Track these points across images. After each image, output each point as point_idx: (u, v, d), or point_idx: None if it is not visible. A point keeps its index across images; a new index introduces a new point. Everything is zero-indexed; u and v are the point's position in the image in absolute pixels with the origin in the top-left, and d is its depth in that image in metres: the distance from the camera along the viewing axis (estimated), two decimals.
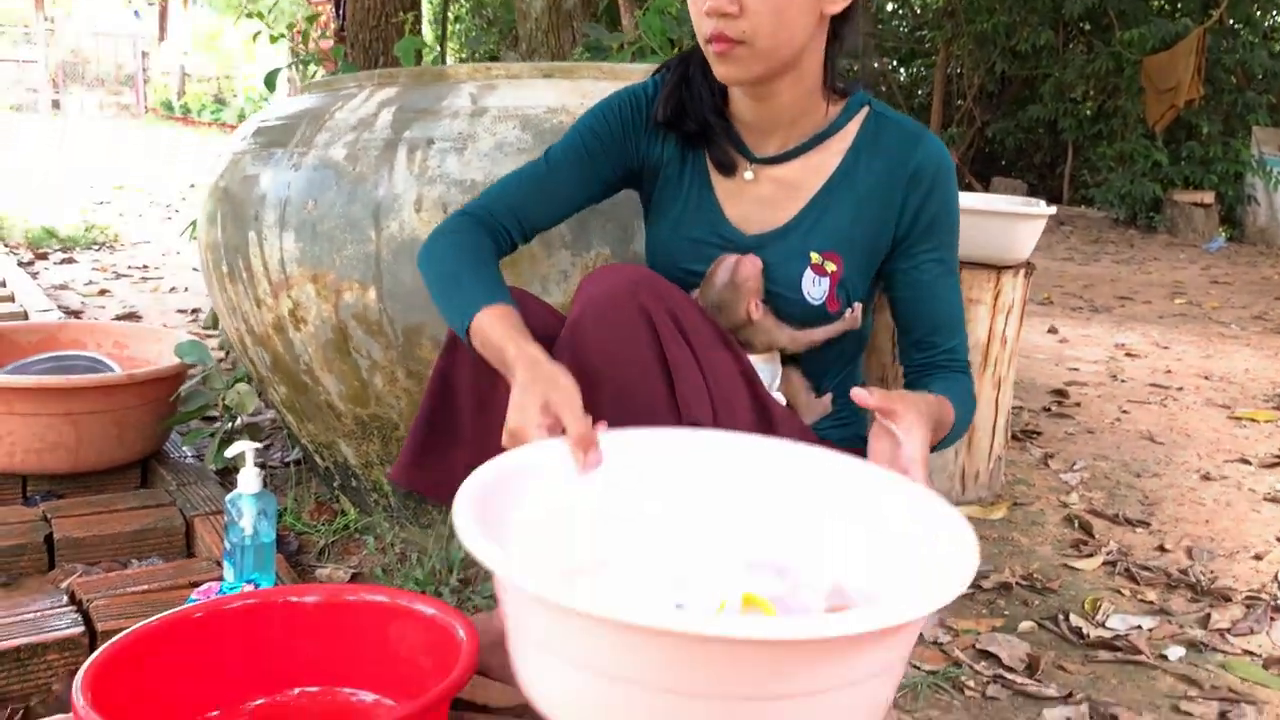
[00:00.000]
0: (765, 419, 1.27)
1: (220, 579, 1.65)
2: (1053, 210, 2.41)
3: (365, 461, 2.02)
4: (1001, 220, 2.31)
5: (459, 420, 1.37)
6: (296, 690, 1.37)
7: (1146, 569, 2.05)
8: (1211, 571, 2.06)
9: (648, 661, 0.84)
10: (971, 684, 1.60)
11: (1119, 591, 1.96)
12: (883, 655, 0.89)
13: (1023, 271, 2.34)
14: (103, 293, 4.56)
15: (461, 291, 1.28)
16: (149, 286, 4.79)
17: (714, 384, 1.23)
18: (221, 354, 2.85)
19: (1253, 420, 3.23)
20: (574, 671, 0.89)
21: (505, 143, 1.76)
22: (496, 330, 1.21)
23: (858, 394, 1.14)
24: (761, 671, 0.83)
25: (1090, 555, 2.11)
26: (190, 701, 1.29)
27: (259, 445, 1.69)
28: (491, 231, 1.39)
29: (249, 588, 1.55)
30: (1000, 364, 2.34)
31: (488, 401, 1.32)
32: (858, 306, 1.38)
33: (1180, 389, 3.63)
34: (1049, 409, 3.26)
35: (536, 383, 1.14)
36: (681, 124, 1.41)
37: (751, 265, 1.35)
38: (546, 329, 1.29)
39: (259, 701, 1.35)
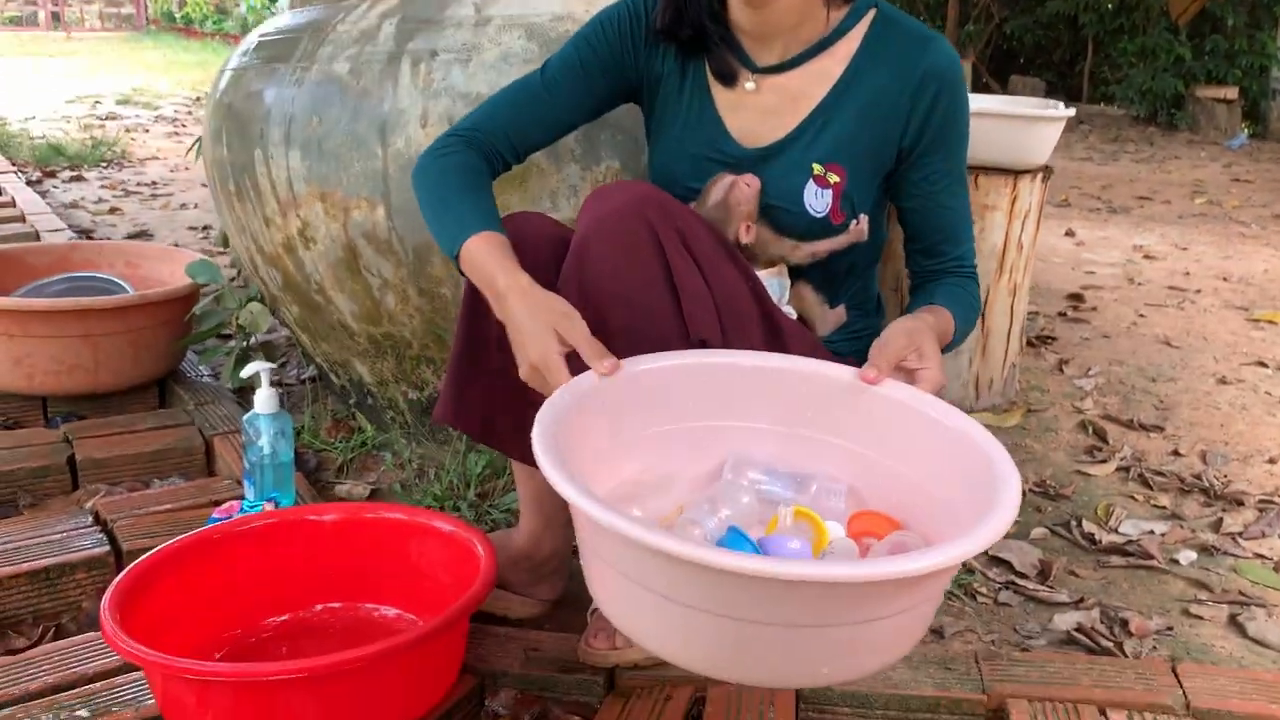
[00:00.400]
0: (774, 333, 1.27)
1: (241, 498, 1.67)
2: (1071, 113, 2.35)
3: (380, 379, 2.02)
4: (1018, 124, 2.26)
5: (488, 351, 1.36)
6: (319, 606, 1.41)
7: (1160, 474, 2.06)
8: (1225, 476, 2.06)
9: (744, 598, 0.87)
10: (984, 590, 1.62)
11: (1132, 497, 1.97)
12: (949, 572, 0.97)
13: (1040, 176, 2.30)
14: (113, 211, 4.54)
15: (450, 216, 1.27)
16: (159, 203, 4.76)
17: (721, 300, 1.22)
18: (234, 272, 2.85)
19: (1271, 322, 3.20)
20: (682, 609, 0.91)
21: (511, 53, 1.73)
22: (486, 258, 1.21)
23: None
24: (889, 597, 0.89)
25: (1104, 461, 2.12)
26: (215, 619, 1.33)
27: (274, 365, 1.70)
28: (483, 152, 1.36)
29: (269, 506, 1.57)
30: (1016, 271, 2.31)
31: None
32: (863, 218, 1.35)
33: (1198, 291, 3.59)
34: (1064, 314, 3.24)
35: (540, 311, 1.14)
36: (679, 30, 1.37)
37: (747, 188, 1.32)
38: (554, 247, 1.28)
39: (282, 618, 1.38)
